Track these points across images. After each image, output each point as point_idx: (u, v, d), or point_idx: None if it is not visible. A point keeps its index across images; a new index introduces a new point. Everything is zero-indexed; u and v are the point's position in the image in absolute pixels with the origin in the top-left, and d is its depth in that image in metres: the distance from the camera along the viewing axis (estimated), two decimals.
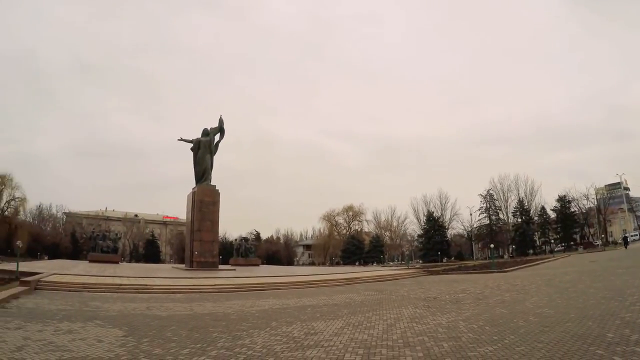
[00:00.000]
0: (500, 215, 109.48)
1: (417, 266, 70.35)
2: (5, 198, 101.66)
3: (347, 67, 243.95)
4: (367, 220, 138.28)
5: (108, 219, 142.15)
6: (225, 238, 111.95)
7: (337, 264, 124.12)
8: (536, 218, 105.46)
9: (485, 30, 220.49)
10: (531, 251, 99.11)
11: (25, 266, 35.92)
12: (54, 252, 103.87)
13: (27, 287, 23.79)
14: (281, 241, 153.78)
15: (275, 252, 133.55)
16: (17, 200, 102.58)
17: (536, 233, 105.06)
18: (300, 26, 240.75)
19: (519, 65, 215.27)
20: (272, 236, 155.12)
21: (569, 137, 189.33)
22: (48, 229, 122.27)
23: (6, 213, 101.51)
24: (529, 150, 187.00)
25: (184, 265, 56.45)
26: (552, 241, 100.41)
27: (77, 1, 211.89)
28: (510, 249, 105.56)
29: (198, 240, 49.24)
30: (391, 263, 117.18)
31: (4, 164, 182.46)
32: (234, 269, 50.41)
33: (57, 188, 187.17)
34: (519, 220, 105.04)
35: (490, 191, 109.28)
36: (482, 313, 15.08)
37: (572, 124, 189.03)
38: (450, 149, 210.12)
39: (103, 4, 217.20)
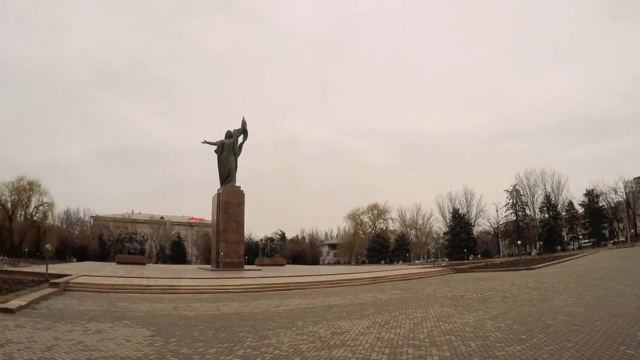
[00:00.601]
0: (527, 211, 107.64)
1: (443, 264, 69.96)
2: (33, 203, 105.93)
3: (364, 65, 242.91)
4: (392, 219, 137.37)
5: (134, 221, 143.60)
6: (251, 238, 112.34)
7: (363, 262, 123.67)
8: (564, 213, 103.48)
9: (501, 20, 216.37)
10: (559, 247, 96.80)
11: (54, 268, 36.50)
12: (82, 254, 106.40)
13: (56, 289, 24.19)
14: (306, 241, 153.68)
15: (301, 251, 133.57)
16: (45, 205, 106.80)
17: (564, 229, 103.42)
18: (317, 26, 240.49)
19: (539, 56, 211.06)
20: (297, 236, 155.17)
21: (595, 129, 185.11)
22: (76, 232, 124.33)
23: (35, 218, 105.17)
24: (554, 144, 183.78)
25: (210, 265, 56.78)
26: (581, 237, 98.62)
27: (97, 10, 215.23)
28: (538, 246, 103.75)
29: (224, 241, 49.52)
30: (417, 261, 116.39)
31: (32, 170, 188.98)
32: (260, 269, 50.57)
33: (84, 193, 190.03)
34: (546, 215, 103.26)
35: (517, 186, 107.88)
36: (510, 311, 14.94)
37: (596, 115, 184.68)
38: (474, 145, 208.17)
39: (123, 12, 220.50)
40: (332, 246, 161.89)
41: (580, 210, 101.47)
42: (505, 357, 8.79)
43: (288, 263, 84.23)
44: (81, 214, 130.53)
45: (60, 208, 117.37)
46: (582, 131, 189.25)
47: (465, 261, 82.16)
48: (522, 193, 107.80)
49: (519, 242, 62.21)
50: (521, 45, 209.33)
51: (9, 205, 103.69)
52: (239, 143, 53.87)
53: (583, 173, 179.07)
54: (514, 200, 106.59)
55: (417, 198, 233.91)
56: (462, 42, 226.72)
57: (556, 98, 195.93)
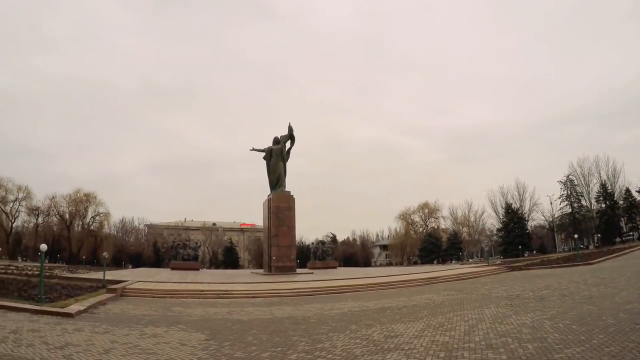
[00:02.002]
0: (583, 202, 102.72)
1: (497, 262, 68.74)
2: (90, 214, 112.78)
3: (406, 60, 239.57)
4: (443, 217, 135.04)
5: (187, 228, 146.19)
6: (302, 242, 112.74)
7: (415, 263, 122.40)
8: (621, 202, 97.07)
9: (536, 4, 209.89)
10: (618, 239, 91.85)
11: (111, 275, 37.52)
12: (137, 261, 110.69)
13: (113, 294, 25.08)
14: (357, 243, 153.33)
15: (352, 254, 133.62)
16: (101, 215, 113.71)
17: (622, 219, 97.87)
18: (354, 26, 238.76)
19: (589, 30, 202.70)
20: (348, 238, 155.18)
21: None
22: (131, 240, 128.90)
23: (92, 227, 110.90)
24: (607, 127, 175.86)
25: (262, 270, 57.34)
26: None
27: (143, 31, 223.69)
28: (596, 238, 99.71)
29: (275, 245, 49.84)
30: (470, 260, 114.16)
31: (88, 183, 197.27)
32: (312, 273, 50.61)
33: (139, 203, 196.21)
34: (603, 205, 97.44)
35: (570, 176, 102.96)
36: (568, 311, 14.56)
37: None
38: (524, 134, 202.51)
39: (167, 30, 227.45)
40: (384, 247, 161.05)
41: (639, 197, 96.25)
42: (565, 359, 8.54)
43: (340, 266, 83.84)
44: (136, 223, 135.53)
45: (115, 217, 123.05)
46: (635, 113, 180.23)
47: (520, 258, 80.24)
48: (576, 183, 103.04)
49: (576, 235, 60.24)
50: (563, 26, 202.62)
51: (67, 216, 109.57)
52: (286, 148, 54.24)
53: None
54: (569, 191, 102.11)
55: (468, 194, 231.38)
56: (498, 31, 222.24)
57: (602, 80, 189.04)
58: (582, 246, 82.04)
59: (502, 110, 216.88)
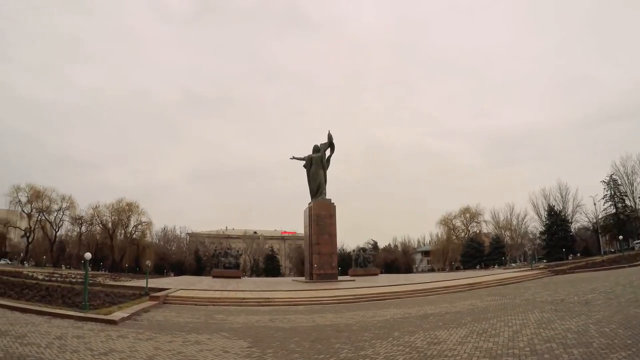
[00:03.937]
0: (627, 202, 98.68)
1: (541, 266, 67.50)
2: (132, 223, 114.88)
3: (442, 63, 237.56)
4: (485, 221, 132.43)
5: (229, 237, 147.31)
6: (343, 249, 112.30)
7: (457, 268, 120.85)
8: None
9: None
10: None
11: (153, 282, 38.13)
12: (179, 269, 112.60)
13: (156, 302, 25.59)
14: (399, 249, 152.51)
15: (394, 260, 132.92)
16: (143, 224, 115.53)
17: None
18: (391, 30, 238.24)
19: (626, 26, 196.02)
20: (389, 244, 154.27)
21: None
22: (173, 248, 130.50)
23: (134, 236, 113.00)
24: None
25: (303, 278, 57.50)
26: None
27: (181, 42, 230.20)
28: None
29: (317, 253, 49.90)
30: (513, 264, 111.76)
31: (130, 193, 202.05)
32: (353, 280, 50.55)
33: (180, 211, 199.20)
34: None
35: (613, 176, 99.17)
36: (614, 314, 14.30)
37: None
38: (565, 134, 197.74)
39: (204, 41, 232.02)
40: (425, 253, 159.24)
41: None
42: None
43: (381, 272, 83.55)
44: (178, 232, 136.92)
45: (157, 226, 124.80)
46: None
47: (564, 261, 78.54)
48: (619, 182, 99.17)
49: (621, 237, 58.63)
50: (602, 22, 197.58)
51: (109, 225, 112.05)
52: (326, 156, 54.35)
53: None
54: (612, 192, 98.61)
55: (510, 197, 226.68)
56: (534, 31, 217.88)
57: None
58: (627, 247, 79.79)
59: (541, 110, 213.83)
